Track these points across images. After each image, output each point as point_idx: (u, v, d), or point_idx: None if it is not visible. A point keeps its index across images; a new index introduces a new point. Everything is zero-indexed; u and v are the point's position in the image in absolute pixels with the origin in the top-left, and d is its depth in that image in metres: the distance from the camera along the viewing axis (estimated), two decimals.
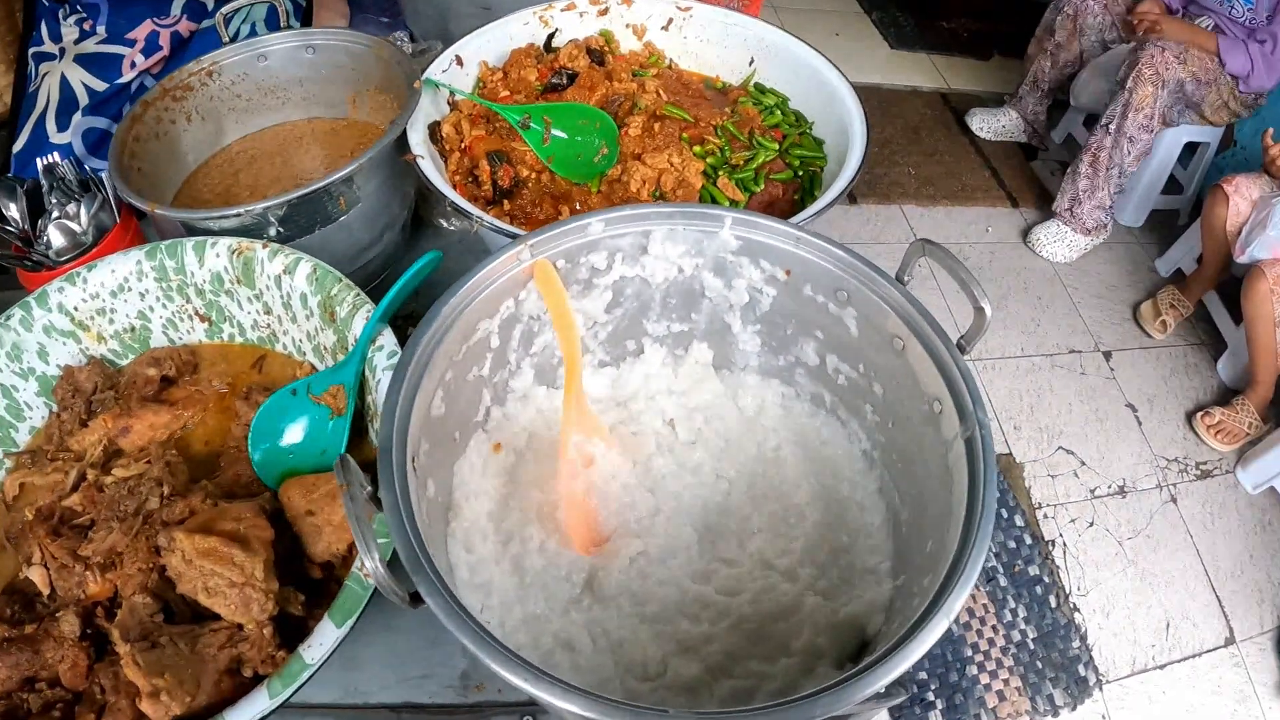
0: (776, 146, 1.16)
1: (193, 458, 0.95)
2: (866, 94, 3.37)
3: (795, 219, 0.95)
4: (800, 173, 1.16)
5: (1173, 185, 3.15)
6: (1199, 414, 2.59)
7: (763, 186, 1.11)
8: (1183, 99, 2.76)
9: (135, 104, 1.17)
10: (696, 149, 1.12)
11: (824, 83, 1.21)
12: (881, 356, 0.82)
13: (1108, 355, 2.75)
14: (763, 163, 1.14)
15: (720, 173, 1.11)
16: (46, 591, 0.83)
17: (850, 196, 3.07)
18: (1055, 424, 2.55)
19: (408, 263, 0.88)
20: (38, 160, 1.08)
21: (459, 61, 1.23)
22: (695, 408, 0.95)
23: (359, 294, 0.88)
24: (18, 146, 1.45)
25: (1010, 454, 2.46)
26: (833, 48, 3.85)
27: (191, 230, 1.00)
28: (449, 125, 1.15)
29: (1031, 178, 3.25)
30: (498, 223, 0.94)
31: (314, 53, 1.26)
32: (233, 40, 1.48)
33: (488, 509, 0.84)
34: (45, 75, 1.49)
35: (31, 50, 1.56)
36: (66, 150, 1.43)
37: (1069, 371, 2.69)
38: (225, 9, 1.29)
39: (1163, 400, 2.67)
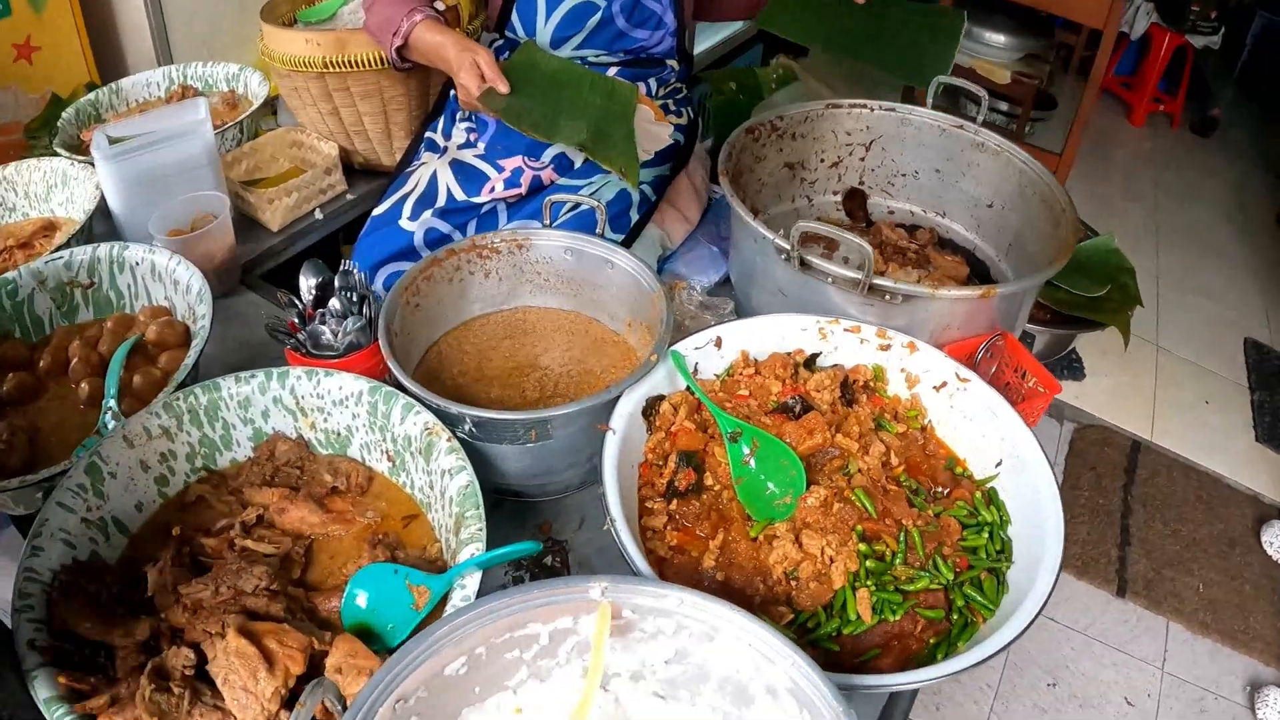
0: (949, 579, 1.14)
1: (313, 563, 1.19)
2: (1199, 479, 3.32)
3: (897, 679, 0.99)
4: (955, 615, 1.13)
5: None
6: None
7: (898, 617, 1.10)
8: None
9: (440, 249, 1.44)
10: (863, 546, 1.14)
11: (1043, 535, 1.14)
12: None
13: None
14: (921, 589, 1.12)
15: (869, 582, 1.12)
16: (149, 594, 1.10)
17: (1120, 587, 2.88)
18: None
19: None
20: (343, 261, 1.38)
21: (718, 343, 1.34)
22: None
23: (480, 528, 1.06)
24: (378, 211, 1.80)
25: None
26: (1192, 415, 3.62)
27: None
28: (669, 404, 1.27)
29: None
30: (627, 543, 1.06)
31: (612, 269, 1.47)
32: (558, 216, 1.73)
33: None
34: (423, 165, 1.84)
35: (427, 133, 1.95)
36: (409, 237, 1.75)
37: None
38: (553, 196, 1.51)
39: None
